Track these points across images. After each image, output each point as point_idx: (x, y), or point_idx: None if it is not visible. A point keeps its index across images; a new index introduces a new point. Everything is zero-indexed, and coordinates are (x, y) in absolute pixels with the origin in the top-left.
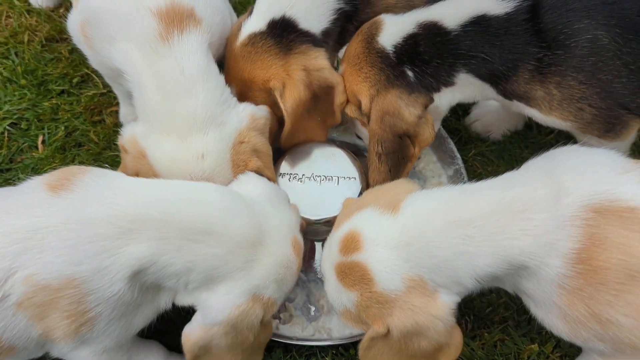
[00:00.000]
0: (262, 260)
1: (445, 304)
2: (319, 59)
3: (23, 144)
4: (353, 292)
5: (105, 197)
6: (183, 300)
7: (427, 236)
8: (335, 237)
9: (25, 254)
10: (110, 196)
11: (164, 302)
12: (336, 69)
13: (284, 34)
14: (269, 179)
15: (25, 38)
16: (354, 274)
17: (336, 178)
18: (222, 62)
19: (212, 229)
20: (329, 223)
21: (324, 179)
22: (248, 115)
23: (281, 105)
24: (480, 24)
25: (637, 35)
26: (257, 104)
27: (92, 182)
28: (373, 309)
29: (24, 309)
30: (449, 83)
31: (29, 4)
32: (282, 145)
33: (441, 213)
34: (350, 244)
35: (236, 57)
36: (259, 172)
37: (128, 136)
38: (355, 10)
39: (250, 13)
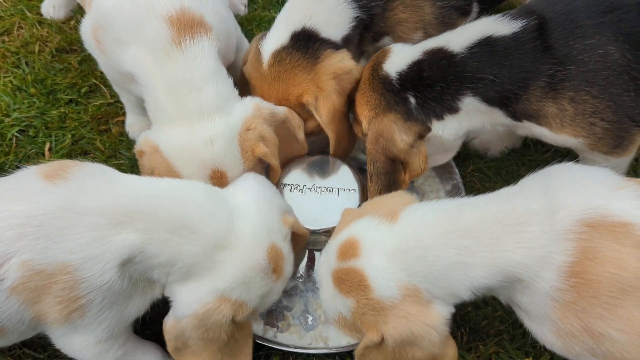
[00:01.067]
0: (231, 262)
1: (440, 313)
2: (344, 61)
3: (30, 150)
4: (349, 298)
5: (99, 189)
6: (165, 292)
7: (424, 246)
8: (334, 244)
9: (21, 240)
10: (105, 188)
11: (156, 294)
12: None
13: (308, 44)
14: (273, 166)
15: (36, 48)
16: (350, 280)
17: (336, 190)
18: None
19: (193, 227)
20: (328, 233)
21: (325, 190)
22: (253, 105)
23: (318, 118)
24: (487, 45)
25: None
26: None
27: (87, 174)
28: (368, 315)
29: (17, 293)
30: (453, 109)
31: (41, 16)
32: (333, 155)
33: (439, 224)
34: (348, 251)
35: (266, 79)
36: (265, 159)
37: (142, 138)
38: (372, 20)
39: (264, 36)
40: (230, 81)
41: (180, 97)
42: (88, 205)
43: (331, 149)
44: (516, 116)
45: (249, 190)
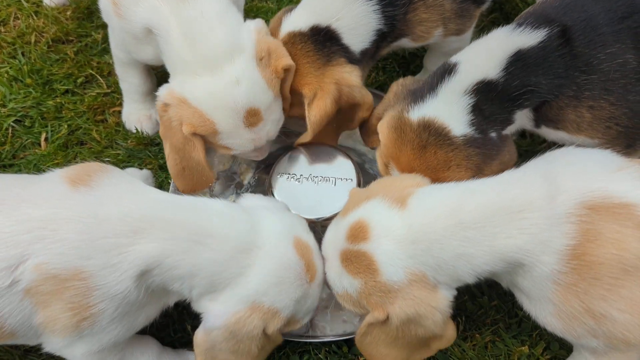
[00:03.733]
0: (260, 264)
1: (445, 296)
2: (352, 75)
3: (26, 140)
4: (357, 279)
5: (120, 197)
6: (195, 307)
7: (431, 238)
8: (343, 224)
9: (38, 243)
10: (126, 197)
11: (169, 304)
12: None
13: (326, 43)
14: (292, 67)
15: (32, 39)
16: (359, 263)
17: (333, 179)
18: None
19: (214, 233)
20: (326, 222)
21: (322, 179)
22: (255, 32)
23: (306, 113)
24: (519, 60)
25: None
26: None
27: (110, 182)
28: (375, 296)
29: (31, 296)
30: (509, 123)
31: (37, 6)
32: (294, 144)
33: (444, 215)
34: (359, 233)
35: None
36: (286, 67)
37: (165, 92)
38: (392, 28)
39: (290, 10)
40: (238, 16)
41: (195, 42)
42: (108, 212)
43: (300, 140)
44: (537, 122)
45: (254, 198)
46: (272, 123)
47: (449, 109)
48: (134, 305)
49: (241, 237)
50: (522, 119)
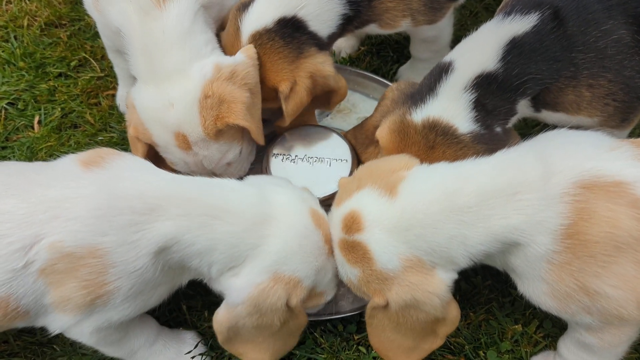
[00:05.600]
0: (278, 234)
1: (442, 280)
2: (325, 65)
3: (19, 123)
4: (355, 268)
5: (135, 177)
6: (215, 287)
7: (424, 223)
8: (337, 216)
9: (52, 222)
10: (141, 177)
11: (182, 282)
12: None
13: (294, 34)
14: (248, 129)
15: (25, 22)
16: (355, 252)
17: (328, 160)
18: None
19: (230, 207)
20: (321, 203)
21: (317, 160)
22: (212, 68)
23: (283, 106)
24: (515, 48)
25: None
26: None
27: (123, 164)
28: (374, 284)
29: (45, 276)
30: (512, 114)
31: None
32: (276, 129)
33: (437, 200)
34: (352, 224)
35: None
36: (227, 130)
37: (128, 93)
38: (358, 13)
39: (244, 8)
40: (203, 40)
41: (151, 56)
42: (124, 190)
43: (278, 124)
44: (537, 107)
45: (260, 177)
46: (207, 159)
47: (452, 108)
48: (149, 284)
49: (257, 209)
50: (523, 107)
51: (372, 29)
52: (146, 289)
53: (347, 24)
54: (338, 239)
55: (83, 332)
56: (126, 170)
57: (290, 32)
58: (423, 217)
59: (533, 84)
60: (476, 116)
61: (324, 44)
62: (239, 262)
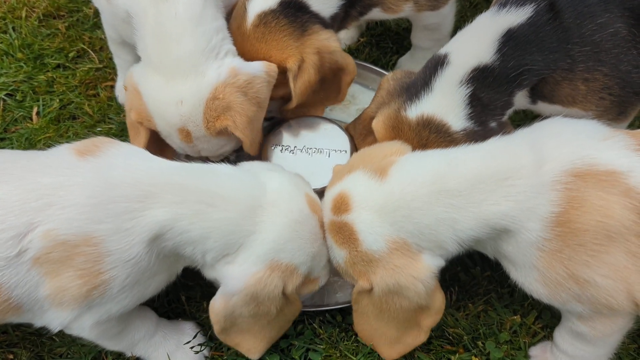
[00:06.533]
0: (273, 220)
1: (428, 266)
2: (331, 41)
3: (18, 114)
4: (342, 249)
5: (130, 164)
6: (208, 274)
7: (413, 205)
8: (328, 197)
9: (47, 210)
10: (135, 165)
11: (176, 272)
12: None
13: (297, 14)
14: (241, 139)
15: (23, 14)
16: (343, 233)
17: (327, 151)
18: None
19: (225, 193)
20: (320, 194)
21: (315, 151)
22: (228, 70)
23: (291, 85)
24: (510, 40)
25: None
26: None
27: (118, 152)
28: (359, 266)
29: (39, 265)
30: (509, 106)
31: None
32: (281, 115)
33: (427, 183)
34: (341, 205)
35: (248, 38)
36: (227, 131)
37: (129, 73)
38: None
39: None
40: (215, 27)
41: (163, 42)
42: (118, 177)
43: (284, 109)
44: (533, 98)
45: (254, 163)
46: (205, 150)
47: (446, 104)
48: (145, 273)
49: (252, 195)
50: (520, 98)
51: (376, 13)
52: (142, 278)
53: (349, 7)
54: (328, 221)
55: (83, 327)
56: (120, 158)
57: (293, 12)
58: (411, 198)
59: (529, 75)
60: (470, 113)
61: (327, 24)
62: (233, 250)
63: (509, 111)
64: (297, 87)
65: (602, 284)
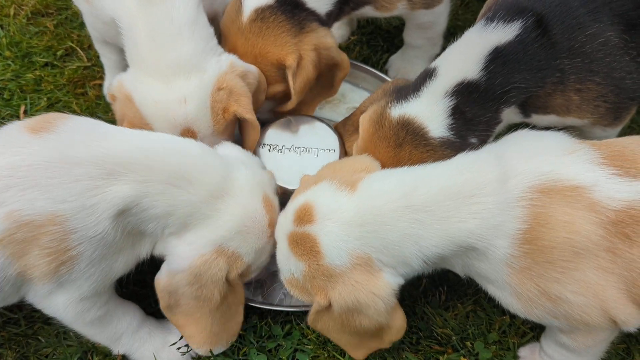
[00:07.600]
0: (230, 210)
1: (388, 283)
2: (327, 37)
3: (5, 113)
4: (301, 262)
5: (90, 140)
6: (158, 248)
7: (379, 220)
8: (291, 208)
9: (7, 191)
10: (96, 139)
11: (144, 251)
12: None
13: (294, 11)
14: (249, 121)
15: (11, 12)
16: (304, 245)
17: (315, 150)
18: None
19: (191, 177)
20: None
21: (304, 150)
22: (228, 63)
23: (290, 82)
24: (498, 57)
25: (638, 29)
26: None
27: (76, 126)
28: (318, 280)
29: (4, 246)
30: (496, 123)
31: None
32: (274, 116)
33: (395, 198)
34: (304, 216)
35: (244, 33)
36: (239, 116)
37: (116, 82)
38: None
39: None
40: (209, 32)
41: (159, 46)
42: (79, 155)
43: (282, 108)
44: (526, 113)
45: (232, 151)
46: None
47: (429, 110)
48: (111, 248)
49: (216, 183)
50: (510, 115)
51: (368, 11)
52: (109, 252)
53: (344, 4)
54: (288, 232)
55: (57, 306)
56: (80, 135)
57: (290, 8)
58: (379, 213)
59: (517, 93)
60: (452, 124)
61: (323, 21)
62: (188, 229)
63: (499, 126)
64: (297, 85)
65: (574, 301)
